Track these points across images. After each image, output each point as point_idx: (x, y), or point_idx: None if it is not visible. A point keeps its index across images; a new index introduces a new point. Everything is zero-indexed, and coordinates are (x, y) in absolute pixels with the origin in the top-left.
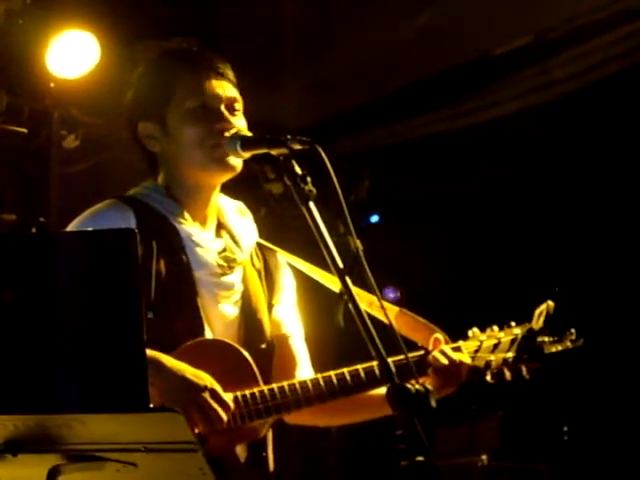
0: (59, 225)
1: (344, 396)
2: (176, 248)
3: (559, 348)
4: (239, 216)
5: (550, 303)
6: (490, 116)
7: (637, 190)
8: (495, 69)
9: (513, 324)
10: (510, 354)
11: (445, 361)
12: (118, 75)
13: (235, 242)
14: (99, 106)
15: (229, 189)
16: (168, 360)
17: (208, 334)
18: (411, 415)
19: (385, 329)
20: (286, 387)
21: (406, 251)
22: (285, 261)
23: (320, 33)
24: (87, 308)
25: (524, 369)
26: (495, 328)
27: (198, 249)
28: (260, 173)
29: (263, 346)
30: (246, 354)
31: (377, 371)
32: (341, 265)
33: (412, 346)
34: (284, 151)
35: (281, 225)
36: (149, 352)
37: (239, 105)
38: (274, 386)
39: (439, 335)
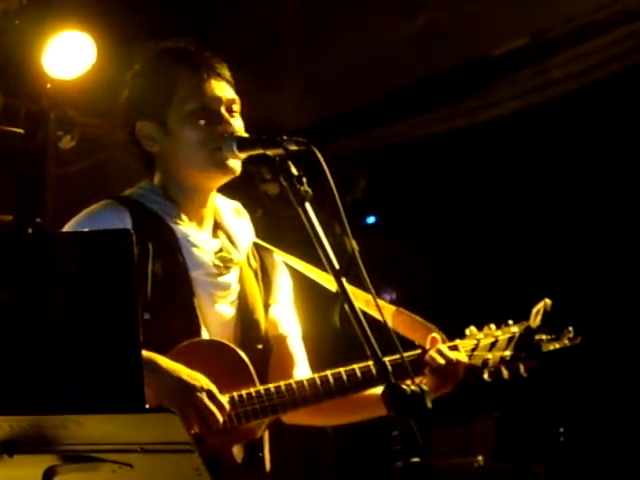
0: (55, 226)
1: (341, 396)
2: (172, 248)
3: (557, 346)
4: (235, 216)
5: (547, 301)
6: (488, 116)
7: (636, 189)
8: (493, 69)
9: (510, 322)
10: (507, 352)
11: (442, 361)
12: (114, 76)
13: (231, 242)
14: (95, 107)
15: (226, 189)
16: (164, 361)
17: (204, 334)
18: (407, 416)
19: (382, 329)
20: (282, 386)
21: (402, 252)
22: (282, 261)
23: (318, 34)
24: (83, 309)
25: (522, 367)
26: (492, 326)
27: (194, 249)
28: (256, 174)
29: (260, 346)
30: (242, 354)
31: (374, 370)
32: (337, 266)
33: (410, 345)
34: (280, 152)
35: (277, 226)
36: (145, 353)
37: (237, 106)
38: (270, 386)
39: (436, 334)
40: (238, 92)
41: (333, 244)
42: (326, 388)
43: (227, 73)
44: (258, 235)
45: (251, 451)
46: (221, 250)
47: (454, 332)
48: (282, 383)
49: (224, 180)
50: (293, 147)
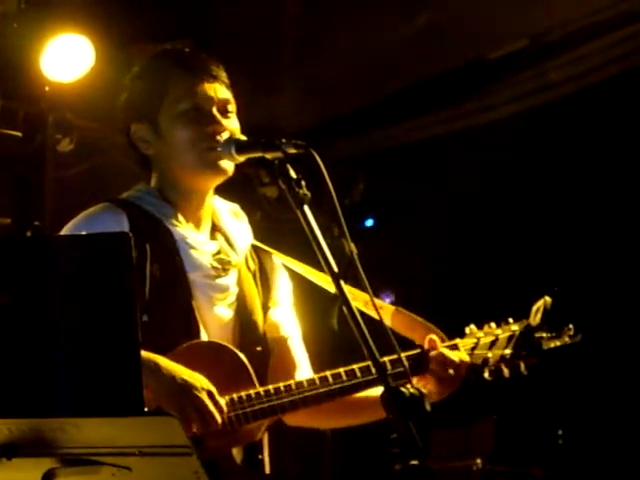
0: (54, 229)
1: (341, 396)
2: (170, 250)
3: (557, 344)
4: (234, 218)
5: (547, 299)
6: (487, 119)
7: (635, 191)
8: (492, 72)
9: (511, 320)
10: (508, 350)
11: (451, 371)
12: (113, 79)
13: (230, 244)
14: (94, 110)
15: (224, 192)
16: (163, 362)
17: (203, 336)
18: (406, 418)
19: (381, 329)
20: (282, 388)
21: (401, 254)
22: (281, 263)
23: (316, 36)
24: (82, 312)
25: (522, 365)
26: (492, 325)
27: (192, 251)
28: (255, 177)
29: (258, 348)
30: (242, 356)
31: (373, 371)
32: (336, 268)
33: (410, 345)
34: (279, 155)
35: (276, 228)
36: (144, 354)
37: (232, 107)
38: (270, 387)
39: (434, 335)
40: (236, 94)
41: (332, 247)
42: (326, 389)
43: (223, 74)
44: (257, 238)
45: (250, 453)
46: (219, 252)
47: (454, 333)
48: (282, 384)
49: (217, 181)
50: (292, 150)
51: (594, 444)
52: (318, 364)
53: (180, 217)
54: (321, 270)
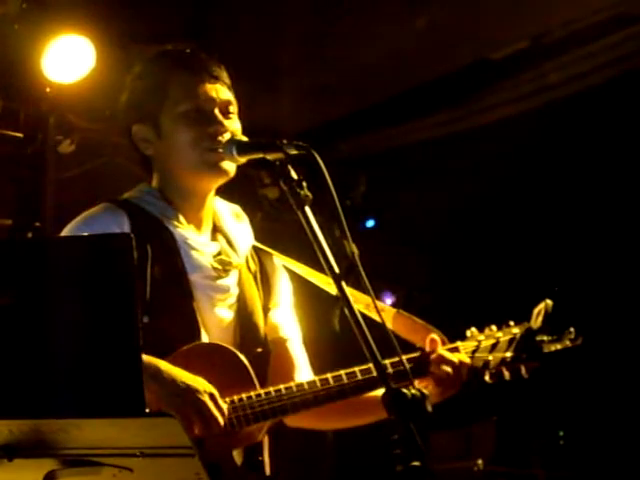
0: (55, 230)
1: (342, 398)
2: (171, 251)
3: (558, 347)
4: (235, 219)
5: (548, 302)
6: (487, 120)
7: (635, 192)
8: (492, 73)
9: (512, 323)
10: (509, 354)
11: (449, 369)
12: (114, 80)
13: (230, 245)
14: (95, 111)
15: (225, 193)
16: (164, 365)
17: (204, 338)
18: (407, 420)
19: (382, 331)
20: (283, 389)
21: (402, 256)
22: (282, 264)
23: (317, 38)
24: (83, 313)
25: (523, 368)
26: (493, 328)
27: (193, 252)
28: (256, 178)
29: (259, 350)
30: (242, 357)
31: (375, 373)
32: (337, 270)
33: (411, 348)
34: (280, 156)
35: (277, 229)
36: (145, 358)
37: (234, 108)
38: (271, 389)
39: (435, 336)
40: (238, 96)
41: (333, 248)
42: (327, 391)
43: (224, 75)
44: (258, 239)
45: (251, 455)
46: (220, 253)
47: (455, 335)
48: (283, 386)
49: (218, 182)
50: (293, 151)
51: (595, 445)
52: (319, 366)
53: (181, 218)
54: (322, 271)
